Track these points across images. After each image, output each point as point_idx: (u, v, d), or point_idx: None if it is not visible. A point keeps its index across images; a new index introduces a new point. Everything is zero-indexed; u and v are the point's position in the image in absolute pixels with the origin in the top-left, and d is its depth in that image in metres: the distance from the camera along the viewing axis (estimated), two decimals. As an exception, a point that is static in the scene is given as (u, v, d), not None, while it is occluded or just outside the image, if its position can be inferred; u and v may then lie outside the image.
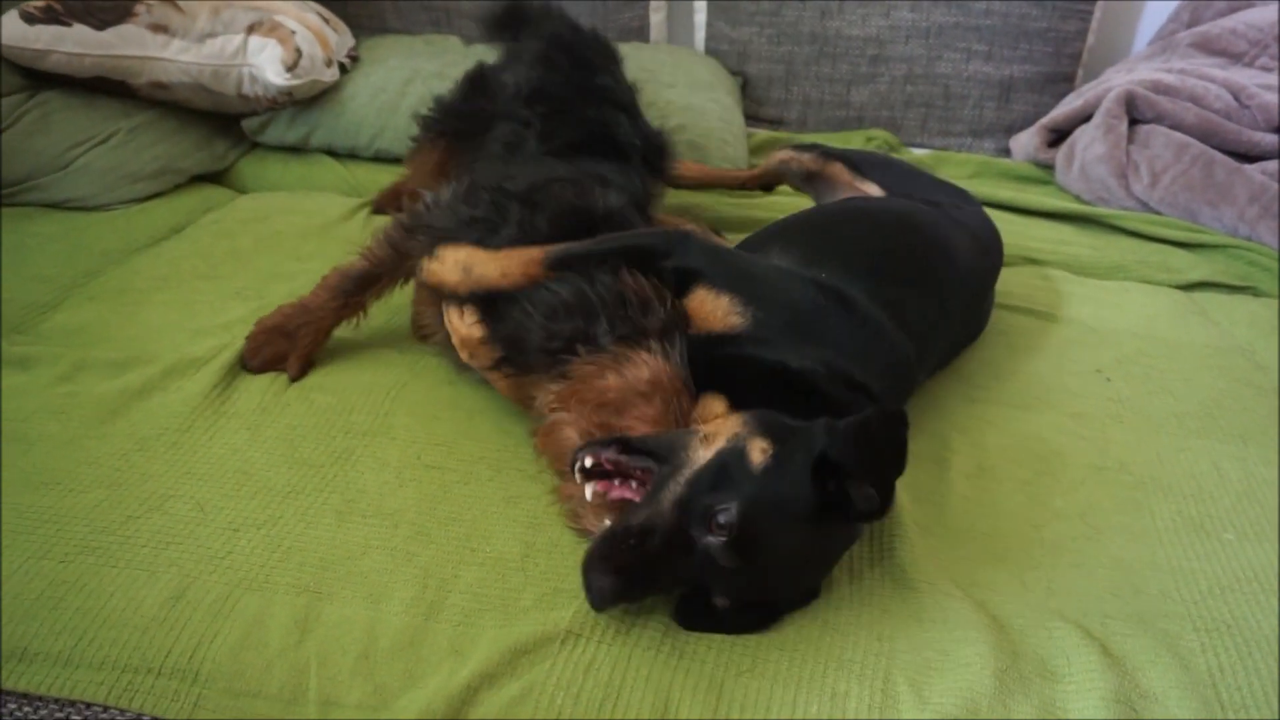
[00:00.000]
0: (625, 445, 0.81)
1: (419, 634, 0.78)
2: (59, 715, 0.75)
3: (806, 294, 1.01)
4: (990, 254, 1.25)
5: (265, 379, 1.10)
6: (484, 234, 1.06)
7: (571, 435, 0.88)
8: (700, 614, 0.81)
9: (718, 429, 0.83)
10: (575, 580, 0.82)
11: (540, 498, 0.92)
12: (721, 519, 0.75)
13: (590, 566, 0.74)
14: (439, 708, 0.72)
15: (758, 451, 0.80)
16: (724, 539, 0.75)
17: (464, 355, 1.02)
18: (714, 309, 0.98)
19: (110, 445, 0.97)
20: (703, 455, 0.80)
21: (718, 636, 0.80)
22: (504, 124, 1.33)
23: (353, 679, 0.75)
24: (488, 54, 1.92)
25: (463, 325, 1.01)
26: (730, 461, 0.79)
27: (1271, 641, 0.82)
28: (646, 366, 0.90)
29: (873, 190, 1.34)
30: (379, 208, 1.57)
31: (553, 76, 1.38)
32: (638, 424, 0.88)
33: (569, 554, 0.86)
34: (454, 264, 1.02)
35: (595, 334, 0.92)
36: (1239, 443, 1.10)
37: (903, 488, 0.99)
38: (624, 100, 1.41)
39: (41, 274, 1.31)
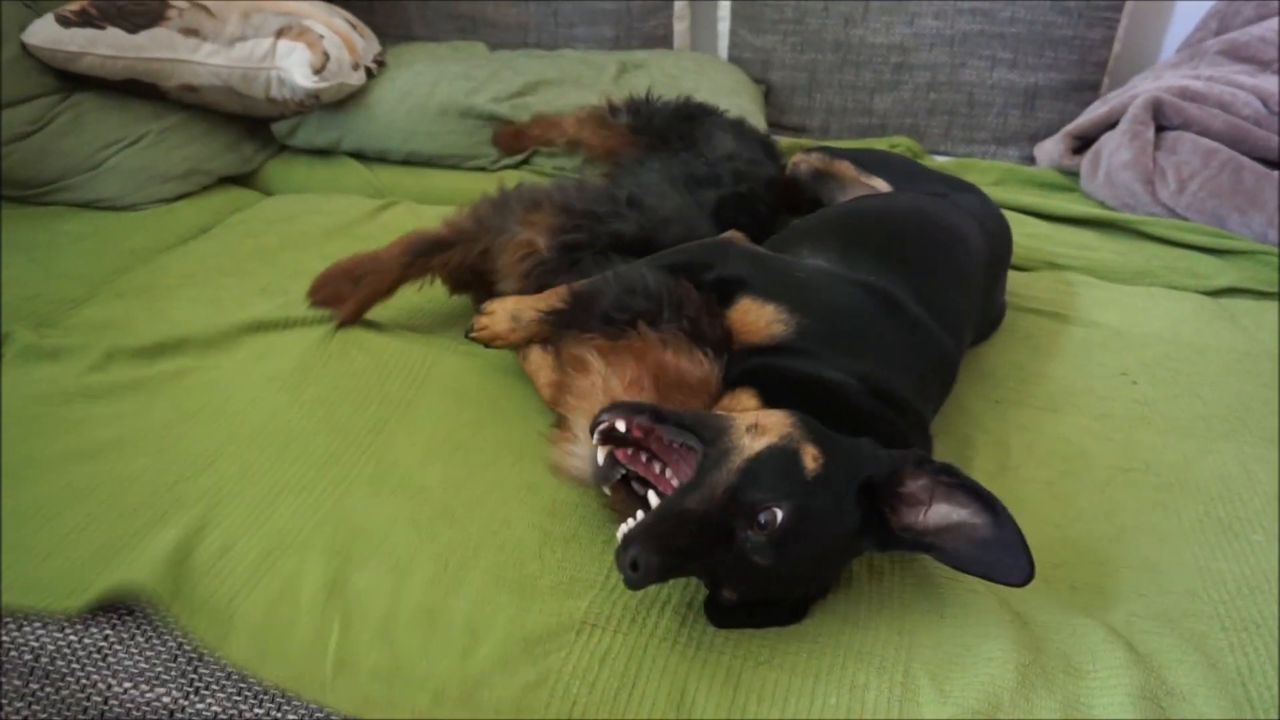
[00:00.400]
0: (659, 415, 0.78)
1: (437, 610, 0.78)
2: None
3: (855, 299, 1.01)
4: (997, 239, 1.26)
5: (304, 339, 1.13)
6: (576, 232, 1.10)
7: (596, 384, 0.88)
8: (731, 611, 0.79)
9: (765, 422, 0.80)
10: (591, 570, 0.83)
11: (560, 488, 0.92)
12: (764, 518, 0.73)
13: (638, 541, 0.70)
14: (453, 688, 0.72)
15: (810, 458, 0.77)
16: (764, 538, 0.73)
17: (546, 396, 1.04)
18: (758, 318, 0.97)
19: (153, 417, 1.00)
20: (753, 446, 0.77)
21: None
22: (691, 162, 1.38)
23: (371, 645, 0.76)
24: (513, 59, 1.95)
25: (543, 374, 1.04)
26: (783, 461, 0.76)
27: (1301, 642, 0.81)
28: (703, 366, 0.90)
29: (880, 185, 1.36)
30: (498, 140, 1.70)
31: (743, 150, 1.44)
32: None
33: (586, 545, 0.86)
34: (504, 315, 1.05)
35: (661, 320, 0.93)
36: (1268, 445, 1.09)
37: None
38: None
39: (70, 271, 1.33)
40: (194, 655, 0.77)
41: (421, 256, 1.14)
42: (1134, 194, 1.67)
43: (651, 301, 0.94)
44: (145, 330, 1.16)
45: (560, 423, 0.92)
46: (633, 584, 0.70)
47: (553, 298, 1.03)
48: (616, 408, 0.78)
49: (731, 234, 1.17)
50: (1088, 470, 1.03)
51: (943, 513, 0.78)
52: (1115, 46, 1.97)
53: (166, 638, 0.78)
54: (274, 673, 0.75)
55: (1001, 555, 0.76)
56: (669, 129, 1.52)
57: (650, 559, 0.69)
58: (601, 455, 0.79)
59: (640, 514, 0.74)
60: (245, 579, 0.81)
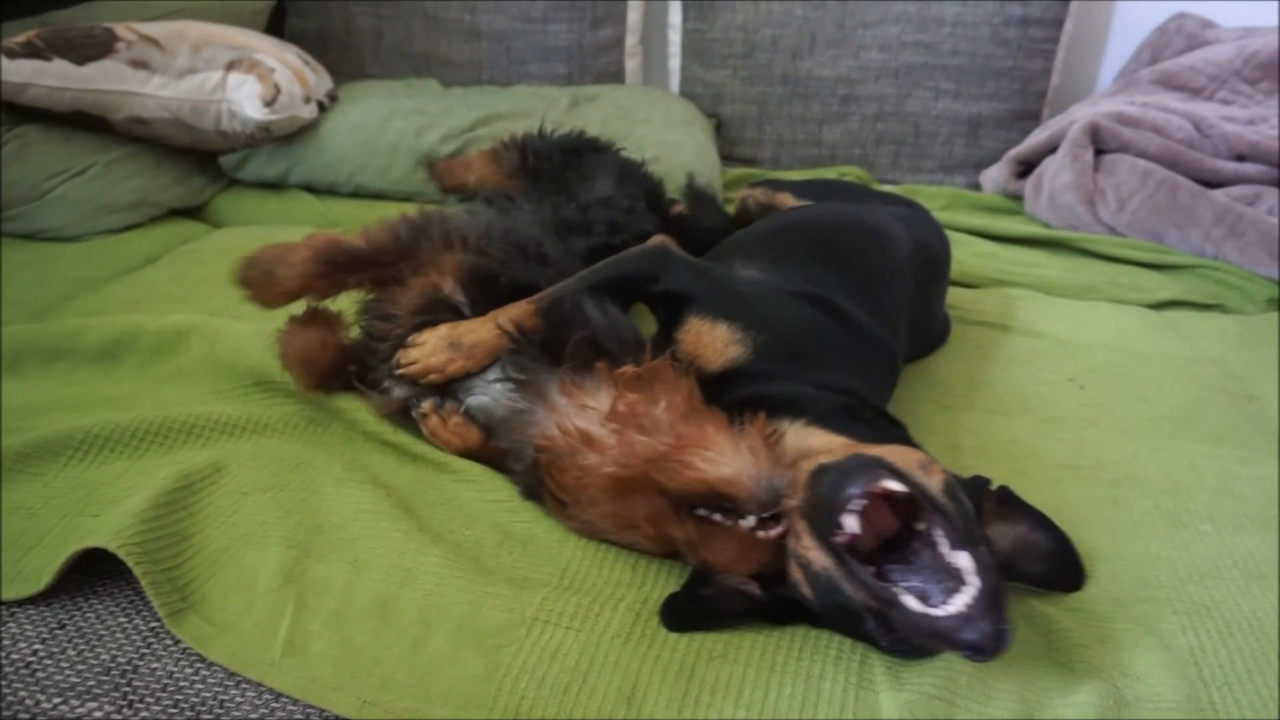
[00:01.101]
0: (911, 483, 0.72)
1: (391, 600, 0.78)
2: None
3: (802, 311, 1.00)
4: (933, 245, 1.27)
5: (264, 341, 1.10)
6: (487, 281, 1.00)
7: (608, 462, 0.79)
8: (696, 612, 0.78)
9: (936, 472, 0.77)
10: (546, 570, 0.82)
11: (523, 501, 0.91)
12: None
13: (987, 614, 0.66)
14: (401, 676, 0.71)
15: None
16: None
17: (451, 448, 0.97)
18: (712, 339, 0.94)
19: (130, 416, 0.98)
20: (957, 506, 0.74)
21: (690, 624, 0.78)
22: (563, 206, 1.28)
23: (323, 630, 0.75)
24: (466, 94, 1.97)
25: (449, 432, 0.96)
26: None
27: (1252, 623, 0.81)
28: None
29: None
30: (436, 181, 1.67)
31: (621, 197, 1.33)
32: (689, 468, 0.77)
33: (543, 546, 0.85)
34: (437, 342, 0.94)
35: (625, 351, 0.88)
36: (1214, 443, 1.10)
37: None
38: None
39: (13, 298, 1.30)
40: (127, 668, 0.74)
41: (333, 269, 1.02)
42: (1076, 214, 1.71)
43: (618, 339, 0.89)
44: (96, 336, 1.14)
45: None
46: (998, 650, 0.65)
47: (520, 316, 0.93)
48: (882, 467, 0.72)
49: (663, 239, 1.17)
50: (1038, 469, 1.04)
51: (1000, 531, 0.82)
52: (1054, 77, 2.03)
53: (100, 650, 0.75)
54: (222, 652, 0.74)
55: (1059, 566, 0.83)
56: (555, 166, 1.42)
57: (1002, 625, 0.66)
58: (852, 524, 0.70)
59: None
60: (204, 567, 0.81)
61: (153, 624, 0.77)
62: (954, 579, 0.68)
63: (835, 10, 2.00)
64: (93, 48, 1.55)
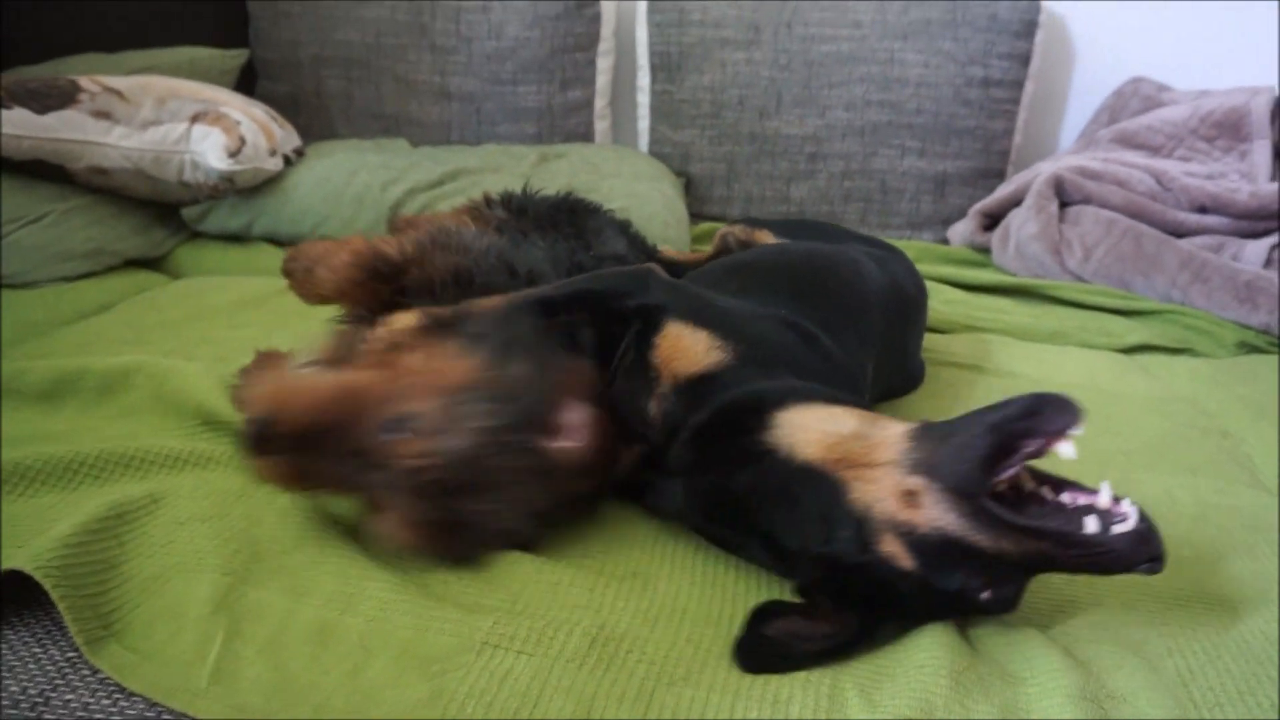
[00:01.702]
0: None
1: (331, 626, 0.72)
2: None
3: (779, 331, 0.98)
4: (908, 287, 1.26)
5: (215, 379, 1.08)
6: (493, 268, 1.03)
7: None
8: (769, 653, 0.74)
9: None
10: (497, 596, 0.78)
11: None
12: None
13: (1154, 531, 0.71)
14: (337, 703, 0.65)
15: None
16: None
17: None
18: (692, 343, 0.91)
19: (64, 449, 0.93)
20: None
21: (648, 649, 0.73)
22: (579, 252, 1.26)
23: (256, 658, 0.69)
24: (435, 151, 1.97)
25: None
26: None
27: (1241, 646, 0.77)
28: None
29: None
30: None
31: (632, 255, 1.38)
32: None
33: (496, 572, 0.80)
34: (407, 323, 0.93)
35: None
36: (1189, 474, 1.08)
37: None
38: None
39: (-43, 341, 1.26)
40: (39, 700, 0.68)
41: (372, 279, 1.00)
42: (1043, 264, 1.72)
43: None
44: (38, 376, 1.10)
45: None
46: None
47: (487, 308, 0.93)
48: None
49: (651, 265, 1.15)
50: (1013, 498, 1.01)
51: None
52: (1016, 137, 2.07)
53: (9, 682, 0.69)
54: (143, 681, 0.68)
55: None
56: (553, 218, 1.39)
57: None
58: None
59: None
60: (132, 595, 0.75)
61: (69, 654, 0.71)
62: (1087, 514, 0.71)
63: (801, 71, 2.03)
64: (55, 98, 1.54)
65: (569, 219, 1.39)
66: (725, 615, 0.78)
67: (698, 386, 0.89)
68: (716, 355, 0.90)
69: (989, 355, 1.41)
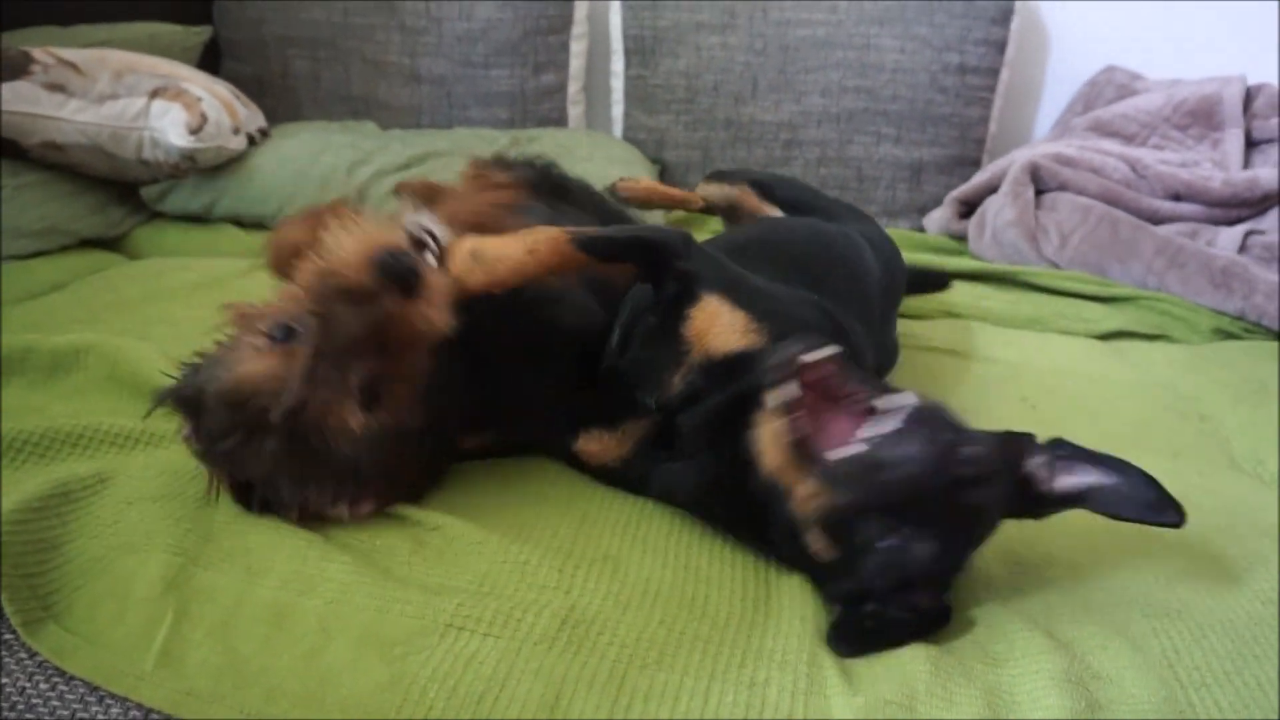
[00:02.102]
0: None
1: (287, 608, 0.69)
2: None
3: (815, 316, 0.94)
4: (892, 267, 1.23)
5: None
6: None
7: None
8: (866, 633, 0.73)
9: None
10: (463, 577, 0.74)
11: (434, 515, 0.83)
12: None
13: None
14: (291, 686, 0.62)
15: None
16: None
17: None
18: (730, 322, 0.87)
19: (7, 426, 0.89)
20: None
21: (620, 631, 0.70)
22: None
23: (205, 640, 0.66)
24: (404, 135, 1.93)
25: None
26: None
27: (1226, 625, 0.76)
28: None
29: (775, 213, 1.33)
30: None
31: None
32: None
33: (460, 554, 0.77)
34: (460, 252, 0.86)
35: None
36: (1170, 457, 1.07)
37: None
38: None
39: (-103, 317, 1.21)
40: (-25, 687, 0.64)
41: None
42: (1019, 251, 1.71)
43: None
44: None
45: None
46: None
47: (527, 239, 0.86)
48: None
49: (687, 231, 1.12)
50: (993, 480, 0.99)
51: (1069, 484, 0.79)
52: (991, 125, 2.05)
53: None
54: (84, 664, 0.65)
55: (1150, 507, 0.78)
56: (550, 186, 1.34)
57: None
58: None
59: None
60: (74, 576, 0.72)
61: (6, 636, 0.67)
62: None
63: (777, 56, 2.01)
64: (6, 69, 1.49)
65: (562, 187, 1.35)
66: (699, 597, 0.75)
67: (728, 365, 0.85)
68: (753, 337, 0.86)
69: (967, 341, 1.40)
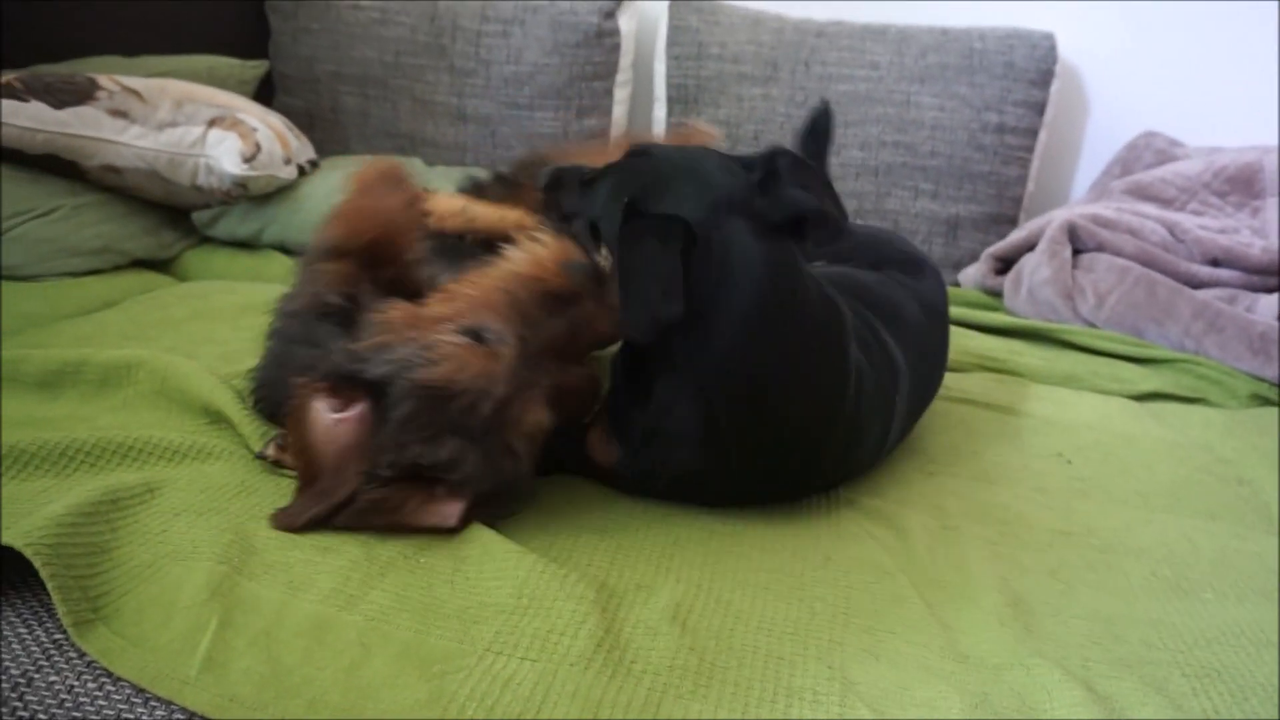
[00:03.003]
0: None
1: (329, 622, 0.70)
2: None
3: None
4: (936, 318, 1.23)
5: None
6: None
7: None
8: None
9: None
10: (502, 596, 0.75)
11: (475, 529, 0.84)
12: None
13: None
14: (333, 697, 0.62)
15: None
16: None
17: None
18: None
19: (60, 434, 0.91)
20: None
21: (653, 659, 0.70)
22: None
23: (248, 648, 0.67)
24: (448, 170, 1.97)
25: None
26: None
27: (1267, 688, 0.75)
28: None
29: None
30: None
31: None
32: None
33: (499, 574, 0.77)
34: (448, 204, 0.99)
35: None
36: (1208, 519, 1.06)
37: (861, 539, 0.93)
38: None
39: (-46, 326, 1.24)
40: (20, 680, 0.65)
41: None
42: (1055, 309, 1.71)
43: None
44: (37, 365, 1.08)
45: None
46: None
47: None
48: None
49: None
50: (1028, 532, 0.98)
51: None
52: (1029, 184, 2.07)
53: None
54: (130, 666, 0.65)
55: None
56: None
57: None
58: None
59: None
60: (122, 581, 0.73)
61: (55, 636, 0.68)
62: None
63: (817, 109, 2.04)
64: (72, 94, 1.54)
65: None
66: (726, 630, 0.76)
67: None
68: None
69: (1003, 394, 1.39)
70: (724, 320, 0.83)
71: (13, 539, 0.70)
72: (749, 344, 0.84)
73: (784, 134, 2.05)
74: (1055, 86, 2.01)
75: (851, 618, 0.80)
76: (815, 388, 0.90)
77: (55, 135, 1.50)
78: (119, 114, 1.57)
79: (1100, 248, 1.76)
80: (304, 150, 1.83)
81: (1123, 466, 1.18)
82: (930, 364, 1.19)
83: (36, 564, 0.69)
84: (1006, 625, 0.79)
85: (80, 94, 1.54)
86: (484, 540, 0.80)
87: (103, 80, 1.58)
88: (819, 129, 1.07)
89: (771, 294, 0.84)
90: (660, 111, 2.14)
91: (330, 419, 0.80)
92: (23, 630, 0.69)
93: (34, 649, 0.67)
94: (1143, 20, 2.10)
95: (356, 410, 0.80)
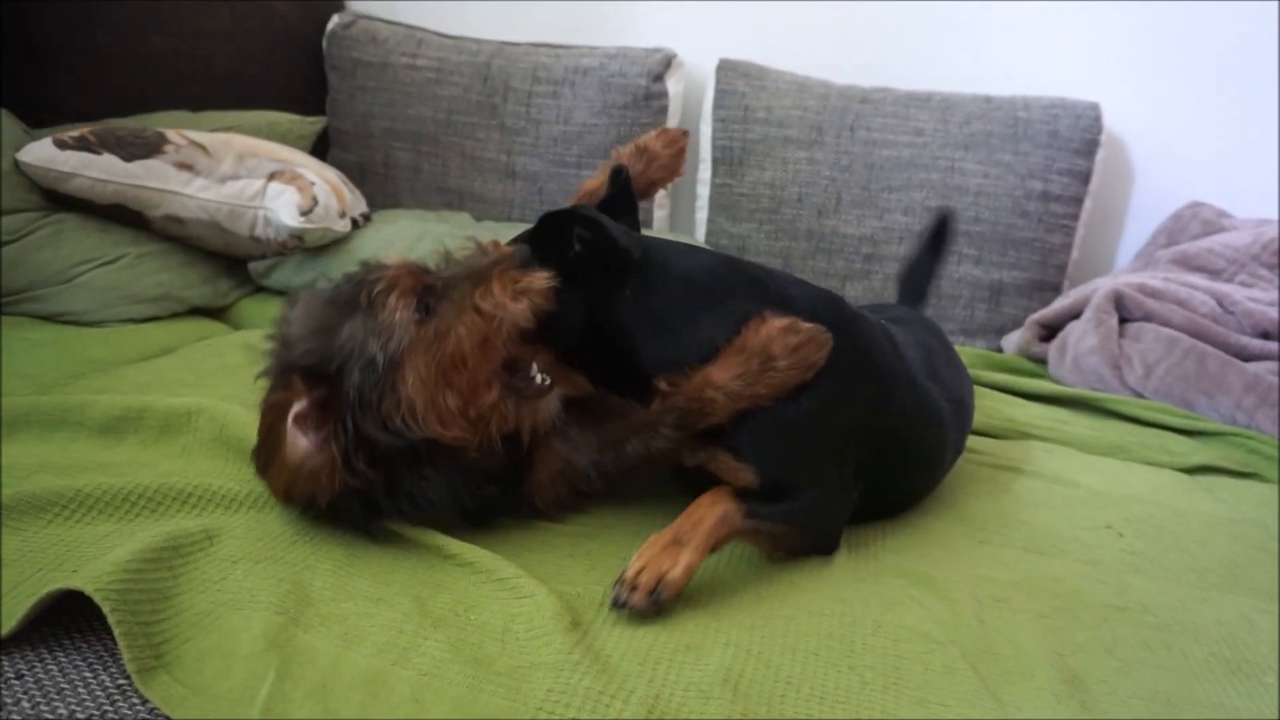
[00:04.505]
0: None
1: (382, 676, 0.71)
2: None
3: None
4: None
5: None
6: None
7: None
8: None
9: None
10: (553, 652, 0.75)
11: (534, 581, 0.85)
12: None
13: None
14: (388, 752, 0.62)
15: None
16: None
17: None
18: None
19: (123, 480, 0.94)
20: None
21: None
22: None
23: (305, 700, 0.68)
24: (497, 226, 2.00)
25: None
26: None
27: (1334, 778, 0.73)
28: None
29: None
30: None
31: None
32: None
33: (550, 634, 0.77)
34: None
35: None
36: (1265, 599, 1.03)
37: (909, 606, 0.92)
38: None
39: (23, 371, 1.27)
40: (84, 727, 0.66)
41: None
42: (1101, 378, 1.70)
43: None
44: (101, 410, 1.11)
45: None
46: None
47: None
48: None
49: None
50: (1081, 607, 0.97)
51: None
52: (1074, 252, 2.07)
53: (58, 704, 0.68)
54: (192, 715, 0.66)
55: None
56: None
57: None
58: None
59: None
60: (183, 629, 0.75)
61: (119, 681, 0.70)
62: None
63: (861, 174, 2.06)
64: (142, 147, 1.59)
65: None
66: (777, 696, 0.75)
67: None
68: None
69: (1049, 463, 1.38)
70: None
71: (80, 583, 0.72)
72: None
73: (828, 196, 2.08)
74: (1100, 156, 2.02)
75: (903, 689, 0.79)
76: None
77: (124, 187, 1.55)
78: (185, 167, 1.62)
79: (1147, 317, 1.75)
80: (358, 204, 1.88)
81: (1175, 541, 1.16)
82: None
83: (105, 609, 0.70)
84: (1062, 702, 0.78)
85: (150, 147, 1.60)
86: (534, 598, 0.81)
87: (171, 134, 1.64)
88: (942, 231, 1.10)
89: None
90: (705, 173, 2.17)
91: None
92: (88, 674, 0.70)
93: (99, 693, 0.68)
94: (1189, 91, 2.12)
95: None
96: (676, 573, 0.83)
